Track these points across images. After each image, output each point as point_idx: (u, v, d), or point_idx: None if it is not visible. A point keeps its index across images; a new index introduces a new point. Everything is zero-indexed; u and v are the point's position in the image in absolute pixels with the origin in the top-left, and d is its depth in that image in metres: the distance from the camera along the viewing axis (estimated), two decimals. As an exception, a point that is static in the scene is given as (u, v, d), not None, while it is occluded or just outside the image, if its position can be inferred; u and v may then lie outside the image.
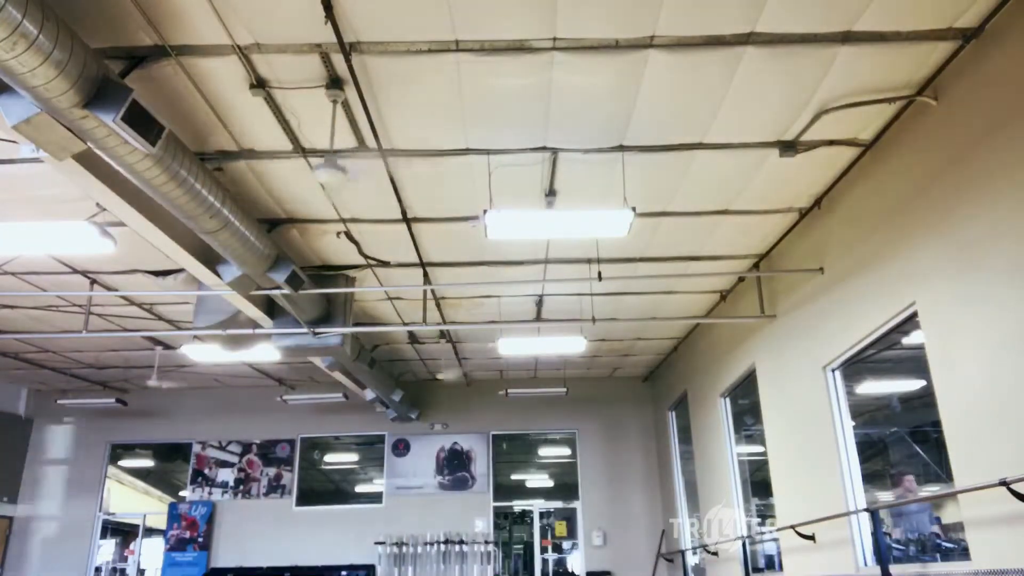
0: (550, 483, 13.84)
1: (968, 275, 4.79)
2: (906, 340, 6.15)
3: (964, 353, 4.86)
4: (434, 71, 4.88)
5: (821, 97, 5.27)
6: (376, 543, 12.50)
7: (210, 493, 12.98)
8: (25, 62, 3.54)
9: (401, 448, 13.26)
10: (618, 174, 6.03)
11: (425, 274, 8.19)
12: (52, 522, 12.78)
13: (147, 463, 14.19)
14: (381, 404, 12.06)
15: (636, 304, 9.36)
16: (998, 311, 4.52)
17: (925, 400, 6.31)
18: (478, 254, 7.80)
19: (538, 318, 9.68)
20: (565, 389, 12.20)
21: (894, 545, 6.72)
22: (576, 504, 13.14)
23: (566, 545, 13.29)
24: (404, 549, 12.47)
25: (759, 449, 8.83)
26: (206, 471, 13.11)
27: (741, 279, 8.67)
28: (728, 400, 9.69)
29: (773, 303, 7.96)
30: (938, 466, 7.51)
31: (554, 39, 4.64)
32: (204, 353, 9.55)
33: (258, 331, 8.33)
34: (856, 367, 6.95)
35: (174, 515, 12.80)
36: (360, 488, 13.69)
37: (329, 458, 13.75)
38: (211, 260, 6.72)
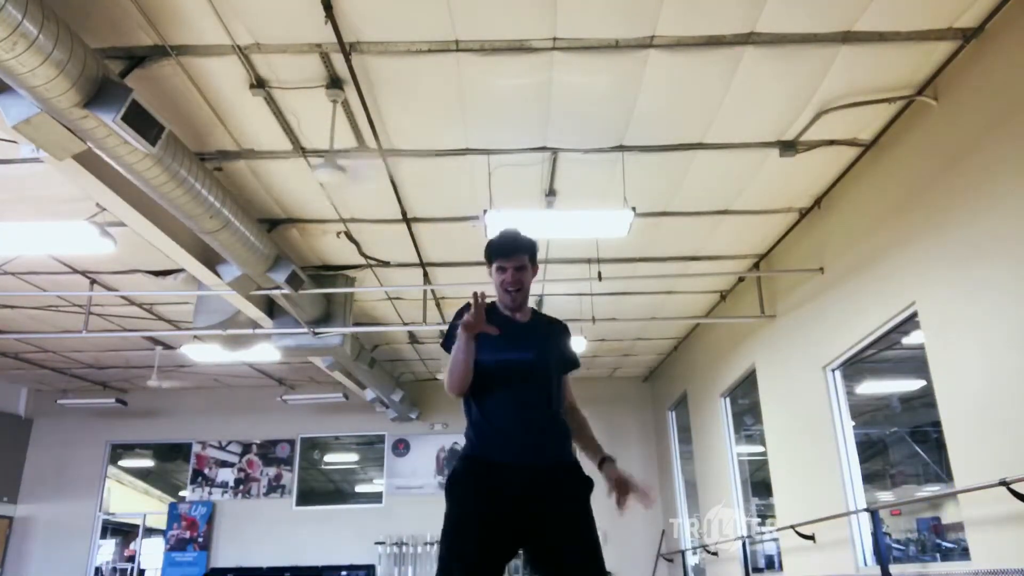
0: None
1: (968, 275, 4.79)
2: (906, 340, 6.16)
3: (964, 353, 4.86)
4: (434, 71, 4.88)
5: (821, 97, 5.27)
6: (376, 543, 12.49)
7: (210, 493, 12.96)
8: (25, 62, 3.54)
9: (401, 448, 13.25)
10: (618, 174, 6.03)
11: (425, 274, 8.18)
12: (52, 522, 12.73)
13: (147, 463, 14.18)
14: (381, 404, 12.05)
15: (636, 304, 9.35)
16: (998, 311, 4.52)
17: (925, 400, 6.31)
18: (478, 254, 7.76)
19: (538, 318, 9.65)
20: (565, 389, 12.17)
21: (894, 545, 6.73)
22: (576, 504, 13.11)
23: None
24: (404, 549, 12.46)
25: (759, 449, 8.84)
26: (206, 471, 13.10)
27: (741, 279, 8.67)
28: (728, 400, 9.68)
29: (773, 303, 7.96)
30: (938, 466, 7.53)
31: (554, 39, 4.64)
32: (204, 353, 9.56)
33: (258, 331, 8.33)
34: (856, 367, 6.95)
35: (174, 515, 12.79)
36: (360, 488, 13.68)
37: (329, 458, 13.74)
38: (211, 260, 6.71)
